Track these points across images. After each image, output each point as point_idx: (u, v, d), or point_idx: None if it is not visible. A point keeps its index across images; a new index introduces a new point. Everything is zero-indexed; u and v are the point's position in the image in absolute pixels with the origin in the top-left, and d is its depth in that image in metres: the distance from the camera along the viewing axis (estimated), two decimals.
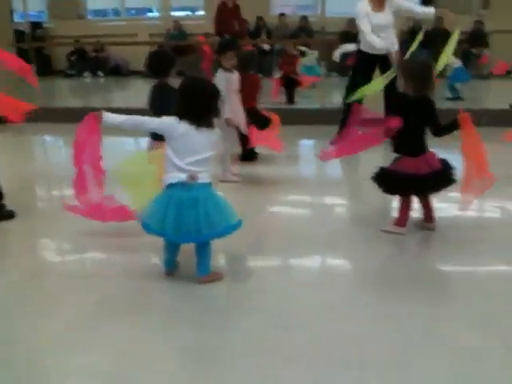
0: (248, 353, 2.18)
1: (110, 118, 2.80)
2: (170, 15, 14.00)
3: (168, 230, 2.56)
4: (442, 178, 3.26)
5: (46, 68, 13.13)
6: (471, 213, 3.93)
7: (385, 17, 5.42)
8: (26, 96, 8.74)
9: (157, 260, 2.94)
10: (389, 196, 3.52)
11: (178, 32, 13.25)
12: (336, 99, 9.00)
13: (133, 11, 14.94)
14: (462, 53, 10.48)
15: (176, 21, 13.41)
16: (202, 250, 2.68)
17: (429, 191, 3.33)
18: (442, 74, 7.91)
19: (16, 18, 13.97)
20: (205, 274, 2.71)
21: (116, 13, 14.85)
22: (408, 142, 3.25)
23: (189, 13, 14.61)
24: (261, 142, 4.73)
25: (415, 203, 3.41)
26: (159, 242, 2.79)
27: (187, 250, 2.78)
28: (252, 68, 5.22)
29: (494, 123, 6.38)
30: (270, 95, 7.72)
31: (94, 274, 2.92)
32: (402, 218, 3.35)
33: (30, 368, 2.12)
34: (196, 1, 13.85)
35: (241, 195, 4.15)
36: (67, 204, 3.33)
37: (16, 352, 2.23)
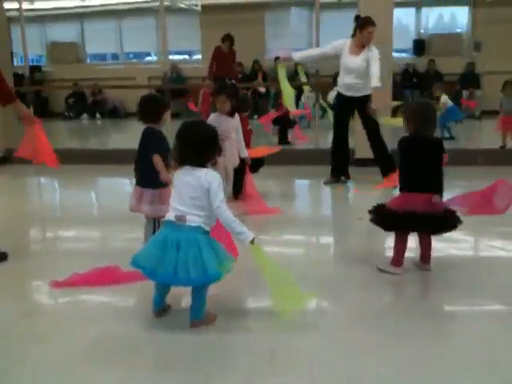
0: None
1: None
2: (167, 59, 14.24)
3: (149, 266, 2.55)
4: (442, 220, 3.23)
5: (44, 110, 13.27)
6: (467, 252, 3.94)
7: (355, 61, 5.56)
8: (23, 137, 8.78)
9: (149, 303, 2.90)
10: (383, 235, 3.50)
11: (176, 75, 13.46)
12: (328, 140, 9.10)
13: (131, 55, 15.22)
14: (454, 94, 10.68)
15: (174, 64, 13.64)
16: (196, 294, 2.65)
17: (425, 230, 3.28)
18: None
19: (16, 62, 14.25)
20: (197, 318, 2.66)
21: (115, 57, 15.13)
22: (417, 180, 3.23)
23: (186, 57, 14.89)
24: (255, 210, 4.65)
25: (411, 242, 3.39)
26: (152, 285, 2.76)
27: (181, 293, 2.74)
28: (245, 111, 5.29)
29: (489, 162, 6.45)
30: (265, 136, 7.81)
31: (84, 317, 2.87)
32: (398, 258, 3.33)
33: None
34: (193, 45, 14.13)
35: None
36: (54, 281, 3.28)
37: None
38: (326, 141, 8.76)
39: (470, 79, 11.63)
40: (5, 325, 2.81)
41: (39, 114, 10.51)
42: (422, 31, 13.46)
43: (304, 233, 4.43)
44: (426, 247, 3.38)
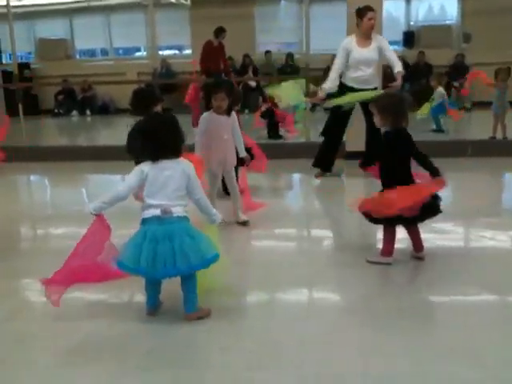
0: None
1: (97, 206, 2.78)
2: (157, 54, 14.19)
3: (143, 266, 2.52)
4: (427, 208, 3.26)
5: (33, 108, 13.19)
6: (456, 242, 3.95)
7: (368, 53, 5.56)
8: (12, 135, 8.76)
9: (140, 299, 2.89)
10: (374, 227, 3.52)
11: (166, 70, 13.41)
12: (317, 133, 9.10)
13: (121, 51, 15.14)
14: (445, 85, 10.67)
15: (163, 59, 13.59)
16: (187, 284, 2.65)
17: (414, 221, 3.31)
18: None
19: (4, 59, 14.16)
20: (192, 310, 2.66)
21: (104, 52, 15.04)
22: (395, 175, 3.26)
23: (176, 52, 14.83)
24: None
25: (400, 233, 3.40)
26: (143, 281, 2.76)
27: (172, 290, 2.74)
28: (235, 105, 5.26)
29: (478, 154, 6.48)
30: (255, 130, 7.79)
31: (74, 315, 2.85)
32: (388, 248, 3.34)
33: None
34: (183, 40, 14.07)
35: (226, 229, 4.12)
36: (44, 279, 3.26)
37: None
38: (316, 134, 8.80)
39: (460, 71, 11.64)
40: None
41: (29, 111, 10.49)
42: (411, 23, 13.46)
43: (295, 226, 4.43)
44: (415, 236, 3.40)
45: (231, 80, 5.03)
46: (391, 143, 3.29)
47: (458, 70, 11.77)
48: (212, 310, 2.75)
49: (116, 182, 6.21)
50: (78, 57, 15.08)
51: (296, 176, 6.63)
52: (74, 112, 13.79)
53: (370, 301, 2.94)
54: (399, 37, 13.28)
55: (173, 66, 13.57)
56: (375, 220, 3.34)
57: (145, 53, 14.93)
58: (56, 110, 13.84)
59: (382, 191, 3.30)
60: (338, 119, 5.82)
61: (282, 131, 8.49)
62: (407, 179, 3.27)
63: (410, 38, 13.21)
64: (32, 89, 13.84)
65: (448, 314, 2.76)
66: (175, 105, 10.34)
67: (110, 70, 13.10)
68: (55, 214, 5.16)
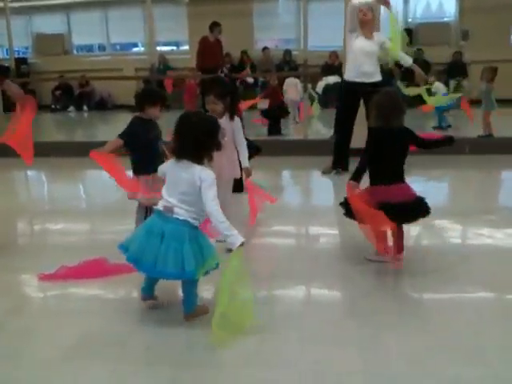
0: None
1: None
2: (155, 50, 14.16)
3: (132, 250, 2.56)
4: (415, 208, 3.25)
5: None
6: (453, 240, 3.96)
7: (370, 45, 5.59)
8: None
9: (139, 296, 2.89)
10: None
11: (163, 66, 13.38)
12: (319, 130, 9.12)
13: (118, 46, 15.09)
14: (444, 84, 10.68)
15: (161, 55, 13.56)
16: (186, 287, 2.64)
17: (401, 220, 3.26)
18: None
19: (1, 55, 14.11)
20: (189, 311, 2.66)
21: (102, 48, 15.00)
22: (385, 171, 3.25)
23: (173, 47, 14.79)
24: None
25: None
26: (140, 277, 2.76)
27: (173, 287, 2.73)
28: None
29: (476, 151, 6.49)
30: (254, 127, 7.78)
31: (72, 311, 2.85)
32: (381, 246, 3.33)
33: None
34: (180, 36, 14.04)
35: None
36: (42, 274, 3.27)
37: None
38: (314, 131, 8.81)
39: (458, 68, 11.65)
40: None
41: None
42: (409, 20, 13.45)
43: (293, 223, 4.44)
44: (399, 237, 3.35)
45: (225, 78, 4.67)
46: (380, 140, 3.26)
47: (455, 68, 11.79)
48: (210, 307, 2.74)
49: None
50: (75, 52, 15.02)
51: (296, 173, 6.63)
52: (72, 107, 13.77)
53: (369, 298, 2.95)
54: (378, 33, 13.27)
55: (170, 61, 13.55)
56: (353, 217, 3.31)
57: (142, 48, 14.89)
58: (53, 106, 13.81)
59: (371, 186, 3.29)
60: (347, 116, 5.83)
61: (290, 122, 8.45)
62: (395, 177, 3.25)
63: (407, 35, 13.19)
64: (29, 84, 13.80)
65: (447, 312, 2.76)
66: (173, 101, 10.33)
67: (108, 66, 13.08)
68: (53, 209, 5.15)
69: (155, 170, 3.08)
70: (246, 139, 5.08)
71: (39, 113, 13.21)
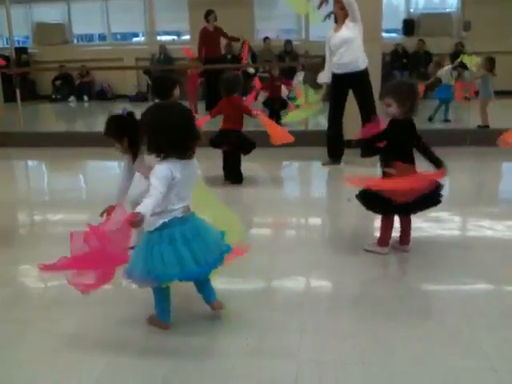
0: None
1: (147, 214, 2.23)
2: (155, 40, 14.11)
3: (190, 268, 2.31)
4: (426, 198, 3.25)
5: (31, 93, 13.13)
6: (452, 232, 3.96)
7: (339, 35, 5.62)
8: (10, 120, 8.74)
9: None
10: (372, 215, 3.51)
11: (164, 56, 13.34)
12: (319, 121, 9.09)
13: (119, 36, 15.03)
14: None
15: (162, 45, 13.51)
16: (205, 283, 2.54)
17: (413, 210, 3.30)
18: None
19: (1, 44, 14.06)
20: (215, 298, 2.57)
21: (102, 38, 14.93)
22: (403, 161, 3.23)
23: (174, 37, 14.73)
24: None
25: (396, 223, 3.40)
26: None
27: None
28: (236, 91, 5.25)
29: (477, 143, 6.47)
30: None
31: (72, 302, 2.84)
32: (384, 238, 3.35)
33: None
34: (181, 25, 13.97)
35: None
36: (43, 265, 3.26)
37: None
38: (315, 122, 8.78)
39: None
40: None
41: (26, 96, 10.44)
42: (411, 11, 13.38)
43: (293, 214, 4.43)
44: (406, 228, 3.39)
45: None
46: (401, 131, 3.23)
47: (457, 59, 11.72)
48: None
49: (112, 168, 6.18)
50: (75, 42, 14.96)
51: (295, 164, 6.63)
52: (72, 97, 13.73)
53: (368, 290, 2.95)
54: (399, 25, 13.22)
55: (171, 51, 13.49)
56: (373, 208, 3.33)
57: (143, 38, 14.83)
58: (53, 96, 13.78)
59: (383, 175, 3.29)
60: (335, 109, 5.84)
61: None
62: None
63: (409, 26, 13.15)
64: (29, 74, 13.77)
65: (445, 304, 2.76)
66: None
67: (108, 56, 13.02)
68: (53, 200, 5.16)
69: None
70: (243, 135, 5.10)
71: (39, 103, 13.24)
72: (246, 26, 13.06)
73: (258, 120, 5.21)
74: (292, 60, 12.49)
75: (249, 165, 5.07)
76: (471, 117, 7.98)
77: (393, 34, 13.39)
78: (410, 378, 2.12)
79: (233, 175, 5.18)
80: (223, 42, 10.47)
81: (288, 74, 10.23)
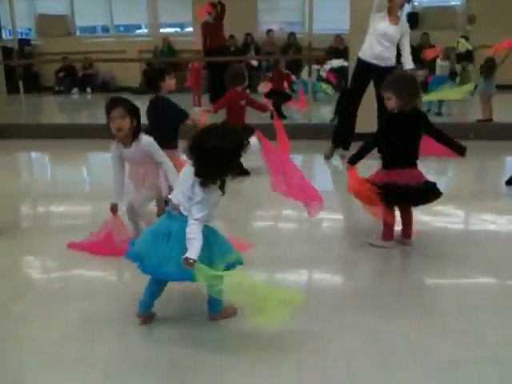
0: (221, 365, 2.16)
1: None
2: (158, 32, 14.06)
3: (135, 249, 2.41)
4: (430, 190, 3.26)
5: (34, 85, 13.11)
6: (455, 226, 3.96)
7: (394, 30, 5.47)
8: (13, 112, 8.74)
9: (140, 277, 2.89)
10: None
11: (167, 48, 13.31)
12: (323, 114, 9.07)
13: (122, 28, 14.99)
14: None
15: (165, 37, 13.48)
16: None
17: (420, 201, 3.30)
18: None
19: (4, 36, 14.02)
20: (216, 312, 2.48)
21: (105, 29, 14.90)
22: (403, 155, 3.24)
23: (177, 29, 14.69)
24: None
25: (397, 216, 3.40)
26: None
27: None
28: (240, 83, 5.23)
29: (480, 137, 6.45)
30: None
31: (76, 294, 2.86)
32: (388, 232, 3.35)
33: None
34: (184, 17, 13.93)
35: (227, 211, 4.12)
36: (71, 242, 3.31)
37: None
38: (319, 115, 8.77)
39: (464, 53, 11.53)
40: None
41: (29, 88, 10.43)
42: (416, 4, 13.31)
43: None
44: (408, 222, 3.39)
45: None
46: (393, 125, 3.26)
47: (461, 53, 11.66)
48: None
49: None
50: (78, 33, 14.92)
51: (299, 157, 6.60)
52: (75, 89, 13.70)
53: (371, 283, 2.96)
54: (403, 18, 13.15)
55: (174, 43, 13.45)
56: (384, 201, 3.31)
57: (146, 30, 14.79)
58: (56, 88, 13.76)
59: (384, 169, 3.29)
60: (352, 98, 5.78)
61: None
62: (410, 161, 3.26)
63: (413, 19, 13.07)
64: (32, 66, 13.75)
65: (449, 297, 2.77)
66: (177, 84, 10.28)
67: (111, 48, 12.99)
68: (56, 191, 5.16)
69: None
70: (247, 126, 5.07)
71: (42, 95, 13.22)
72: (249, 18, 13.02)
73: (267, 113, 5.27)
74: (296, 52, 12.44)
75: (251, 158, 5.05)
76: (475, 110, 7.95)
77: None
78: (413, 371, 2.12)
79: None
80: (226, 33, 10.42)
81: (292, 68, 10.19)
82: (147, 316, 2.49)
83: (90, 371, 2.17)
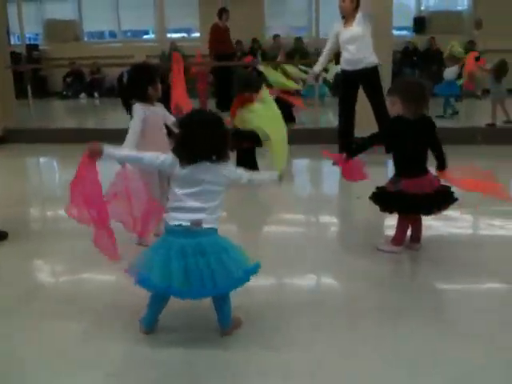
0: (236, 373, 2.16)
1: (110, 152, 2.67)
2: (165, 37, 14.13)
3: (175, 285, 2.23)
4: (444, 196, 3.25)
5: (42, 90, 13.19)
6: (465, 231, 3.94)
7: (349, 32, 5.56)
8: (21, 116, 8.78)
9: None
10: (382, 214, 3.49)
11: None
12: (329, 119, 9.07)
13: (129, 33, 15.07)
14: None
15: (172, 42, 13.53)
16: (224, 304, 2.39)
17: (434, 209, 3.26)
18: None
19: (12, 41, 14.12)
20: (226, 327, 2.43)
21: (112, 35, 14.98)
22: (412, 164, 3.22)
23: (184, 34, 14.75)
24: None
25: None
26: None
27: None
28: (250, 89, 5.23)
29: (489, 141, 6.43)
30: None
31: (84, 298, 2.86)
32: (400, 237, 3.33)
33: None
34: (191, 23, 13.98)
35: (234, 215, 4.13)
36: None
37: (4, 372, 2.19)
38: (327, 119, 8.77)
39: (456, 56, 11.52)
40: (5, 304, 2.82)
41: (37, 93, 10.49)
42: (422, 8, 13.32)
43: (303, 212, 4.43)
44: (418, 227, 3.38)
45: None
46: (409, 130, 3.21)
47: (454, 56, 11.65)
48: None
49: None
50: (86, 39, 15.01)
51: (305, 162, 6.61)
52: (83, 94, 13.77)
53: (379, 288, 2.95)
54: (410, 22, 13.16)
55: (181, 48, 13.48)
56: (388, 208, 3.30)
57: (153, 35, 14.86)
58: (64, 92, 13.83)
59: (395, 178, 3.28)
60: (343, 106, 5.82)
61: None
62: (422, 169, 3.23)
63: (420, 24, 13.09)
64: (40, 70, 13.83)
65: (458, 301, 2.77)
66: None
67: (119, 53, 13.05)
68: (65, 195, 5.15)
69: None
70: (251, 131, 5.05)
71: (50, 99, 13.29)
72: (256, 23, 13.06)
73: None
74: (302, 57, 12.44)
75: (259, 162, 5.06)
76: (483, 115, 7.93)
77: (404, 32, 13.33)
78: (422, 374, 2.12)
79: (253, 168, 5.15)
80: (233, 39, 10.45)
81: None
82: (152, 329, 2.47)
83: (94, 372, 2.19)
